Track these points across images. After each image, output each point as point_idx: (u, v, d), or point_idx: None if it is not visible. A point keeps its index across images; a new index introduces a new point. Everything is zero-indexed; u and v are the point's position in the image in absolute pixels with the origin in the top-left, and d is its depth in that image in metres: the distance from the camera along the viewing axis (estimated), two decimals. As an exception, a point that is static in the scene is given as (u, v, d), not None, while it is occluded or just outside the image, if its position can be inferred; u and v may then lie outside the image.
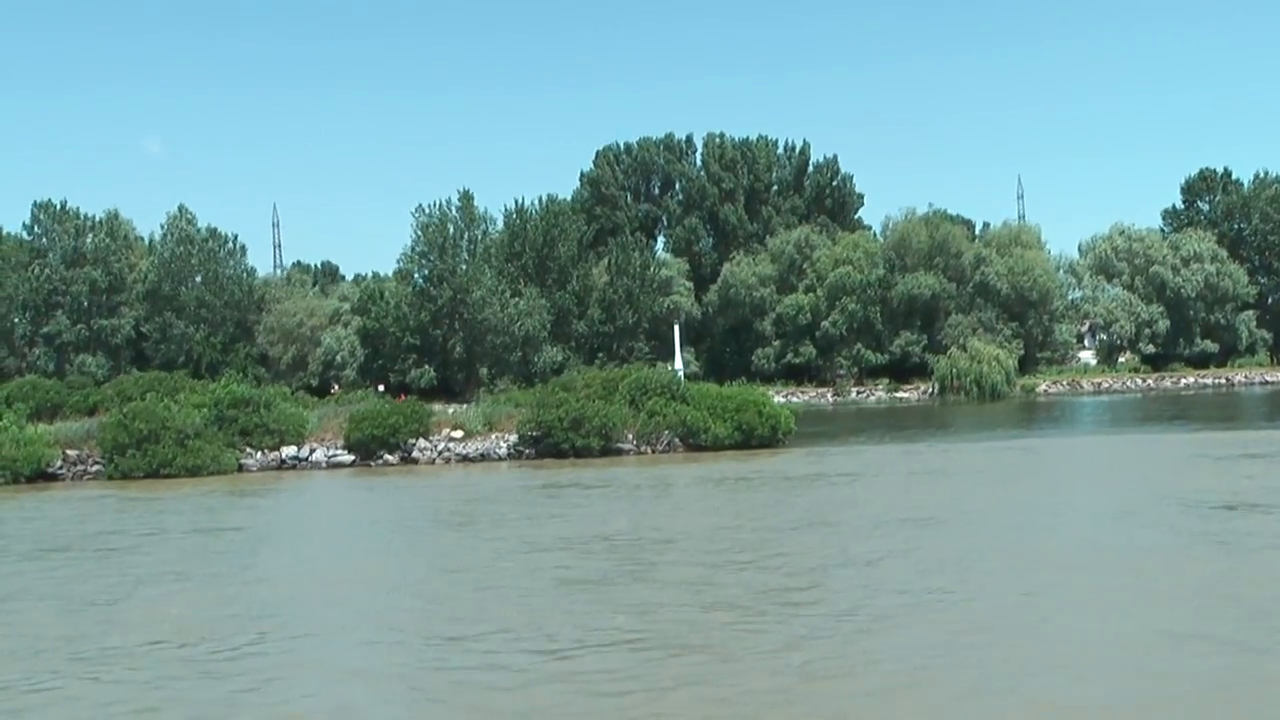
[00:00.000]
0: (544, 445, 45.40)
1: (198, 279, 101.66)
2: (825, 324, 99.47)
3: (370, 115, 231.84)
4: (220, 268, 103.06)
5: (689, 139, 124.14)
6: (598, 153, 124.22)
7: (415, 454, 45.49)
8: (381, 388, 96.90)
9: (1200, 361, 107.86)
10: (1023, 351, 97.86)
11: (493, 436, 46.55)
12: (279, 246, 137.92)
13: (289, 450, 45.43)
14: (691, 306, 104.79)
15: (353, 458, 45.22)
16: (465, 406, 57.42)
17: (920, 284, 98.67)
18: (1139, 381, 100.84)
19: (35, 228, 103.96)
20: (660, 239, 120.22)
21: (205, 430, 44.30)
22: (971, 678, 12.57)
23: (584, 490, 34.06)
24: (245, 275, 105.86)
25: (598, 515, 27.87)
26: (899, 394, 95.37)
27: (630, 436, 46.21)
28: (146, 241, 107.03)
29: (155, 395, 47.53)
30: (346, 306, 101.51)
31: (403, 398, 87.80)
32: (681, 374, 57.74)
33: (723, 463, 41.23)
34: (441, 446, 45.95)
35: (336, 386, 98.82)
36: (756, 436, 46.27)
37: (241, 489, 38.61)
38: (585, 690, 12.66)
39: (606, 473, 39.12)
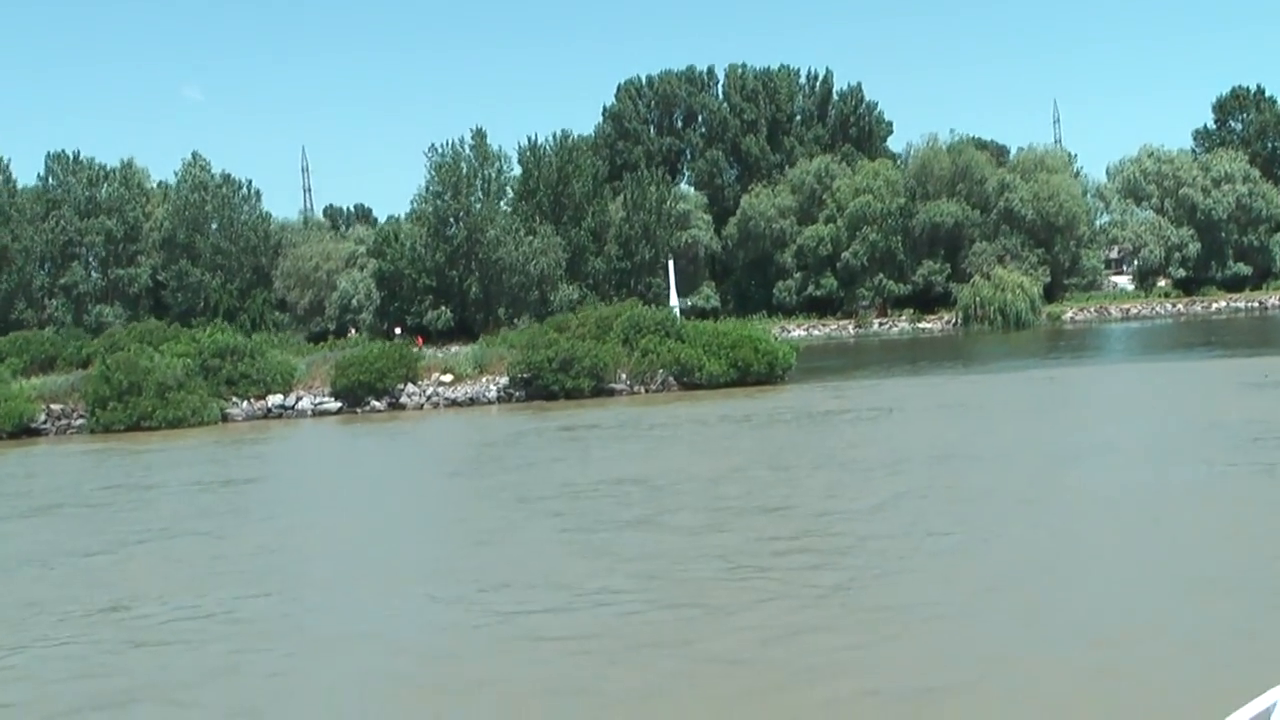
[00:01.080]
0: (534, 387, 44.41)
1: (213, 226, 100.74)
2: (846, 255, 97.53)
3: (398, 56, 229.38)
4: (235, 214, 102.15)
5: (710, 70, 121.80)
6: (619, 86, 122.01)
7: (403, 399, 44.60)
8: (399, 330, 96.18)
9: (1234, 285, 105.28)
10: (1049, 278, 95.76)
11: (483, 380, 45.60)
12: (309, 190, 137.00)
13: (275, 399, 44.70)
14: (711, 240, 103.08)
15: (339, 405, 44.40)
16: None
17: (942, 212, 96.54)
18: (1169, 307, 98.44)
19: (50, 179, 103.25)
20: (686, 173, 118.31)
21: (189, 380, 43.51)
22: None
23: (604, 432, 33.35)
24: (261, 220, 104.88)
25: (642, 457, 27.06)
26: (922, 325, 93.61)
27: (623, 376, 45.14)
28: (162, 189, 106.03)
29: (139, 346, 46.77)
30: (362, 249, 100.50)
31: (420, 341, 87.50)
32: (678, 311, 56.45)
33: (733, 400, 40.17)
34: (430, 391, 45.02)
35: (353, 330, 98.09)
36: (753, 373, 45.10)
37: (224, 441, 37.73)
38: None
39: (618, 413, 38.11)
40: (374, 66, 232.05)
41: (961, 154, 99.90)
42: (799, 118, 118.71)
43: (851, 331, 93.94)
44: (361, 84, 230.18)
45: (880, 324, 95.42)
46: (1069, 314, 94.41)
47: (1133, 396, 36.46)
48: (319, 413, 44.15)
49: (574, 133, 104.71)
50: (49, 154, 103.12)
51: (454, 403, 44.68)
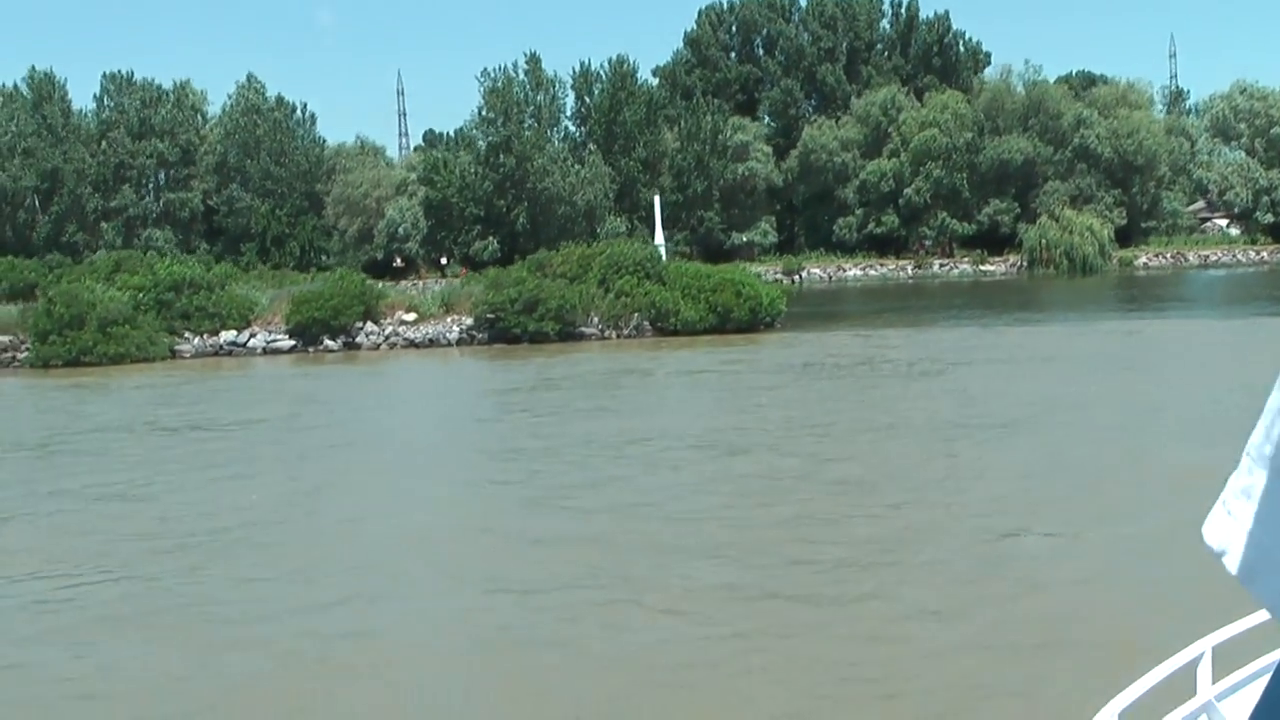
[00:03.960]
0: (497, 330, 41.68)
1: (264, 151, 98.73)
2: (908, 191, 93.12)
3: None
4: (287, 138, 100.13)
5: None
6: (699, 12, 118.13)
7: (360, 339, 42.11)
8: (444, 260, 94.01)
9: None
10: (1125, 221, 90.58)
11: (447, 320, 42.94)
12: (404, 115, 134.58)
13: (228, 335, 42.42)
14: (771, 173, 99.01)
15: (292, 343, 42.02)
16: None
17: (1011, 148, 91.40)
18: (1251, 254, 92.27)
19: (105, 99, 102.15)
20: (764, 102, 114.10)
21: (136, 315, 41.45)
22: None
23: (649, 379, 31.89)
24: (314, 145, 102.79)
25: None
26: (984, 267, 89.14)
27: (595, 319, 42.24)
28: (219, 112, 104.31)
29: (94, 278, 44.88)
30: (413, 176, 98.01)
31: (464, 272, 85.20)
32: (663, 250, 53.24)
33: (698, 349, 37.28)
34: (389, 331, 42.50)
35: (399, 260, 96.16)
36: (734, 320, 41.94)
37: (128, 386, 35.51)
38: None
39: (578, 362, 35.32)
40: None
41: (1035, 87, 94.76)
42: (879, 46, 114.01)
43: (910, 273, 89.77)
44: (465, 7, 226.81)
45: (941, 265, 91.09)
46: (1142, 259, 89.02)
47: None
48: (270, 351, 41.84)
49: (631, 58, 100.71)
50: (104, 74, 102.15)
51: (413, 344, 42.14)
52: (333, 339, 41.93)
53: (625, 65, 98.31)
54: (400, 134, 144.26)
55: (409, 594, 12.19)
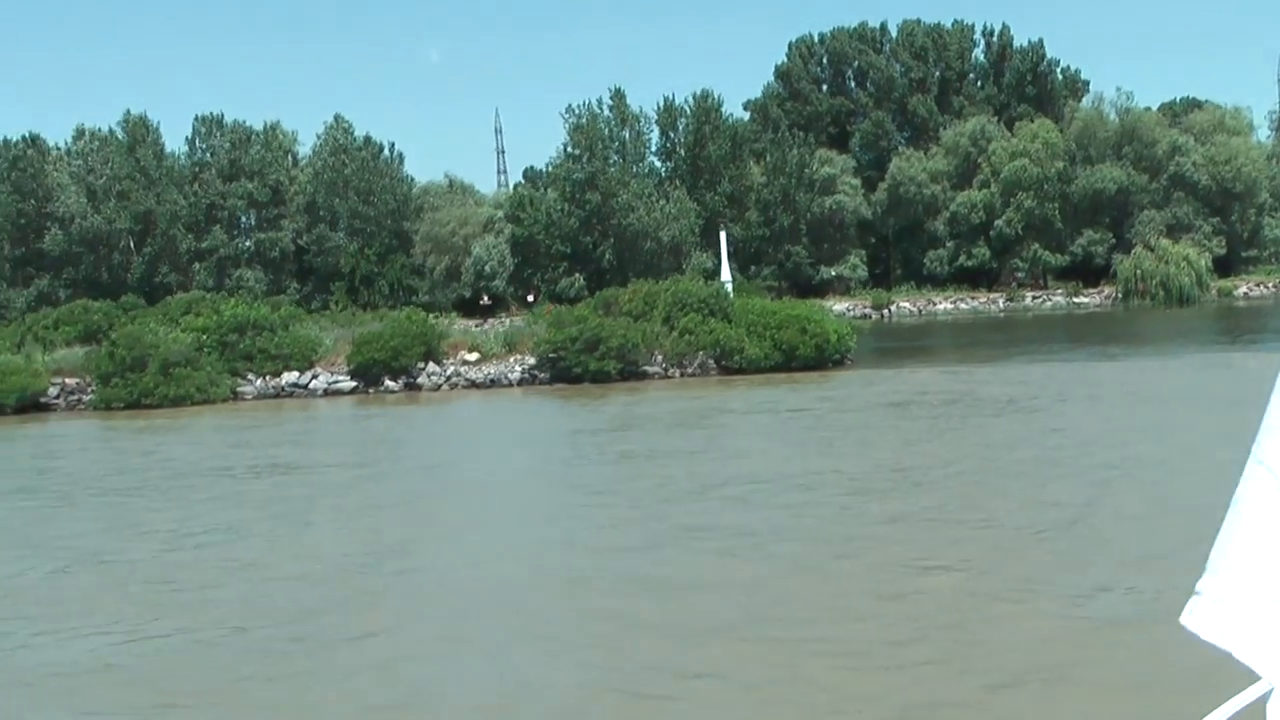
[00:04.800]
0: (558, 369, 41.00)
1: (351, 190, 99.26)
2: (999, 223, 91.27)
3: (592, 16, 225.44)
4: (375, 177, 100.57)
5: (883, 27, 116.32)
6: (790, 45, 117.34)
7: (420, 380, 41.61)
8: (531, 298, 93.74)
9: None
10: (1224, 250, 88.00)
11: (510, 360, 42.35)
12: (502, 152, 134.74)
13: (290, 376, 42.18)
14: (860, 206, 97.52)
15: (354, 384, 41.65)
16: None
17: (1104, 177, 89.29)
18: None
19: (197, 141, 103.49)
20: (856, 134, 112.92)
21: (199, 356, 41.38)
22: None
23: (738, 417, 31.07)
24: (401, 184, 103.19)
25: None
26: (1078, 299, 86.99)
27: (658, 358, 41.41)
28: (308, 153, 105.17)
29: (163, 319, 44.98)
30: (500, 214, 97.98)
31: (550, 309, 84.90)
32: (730, 286, 52.21)
33: (769, 388, 36.28)
34: (450, 371, 41.98)
35: (486, 298, 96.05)
36: (799, 358, 40.88)
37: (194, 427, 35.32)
38: None
39: (640, 403, 34.57)
40: (576, 28, 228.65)
41: (1129, 114, 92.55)
42: (971, 76, 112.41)
43: (1001, 306, 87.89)
44: (562, 48, 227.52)
45: (1034, 298, 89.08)
46: (1242, 289, 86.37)
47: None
48: (331, 392, 41.50)
49: (716, 93, 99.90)
50: (196, 117, 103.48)
51: (474, 384, 41.58)
52: (393, 380, 41.51)
53: (710, 99, 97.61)
54: (499, 171, 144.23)
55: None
